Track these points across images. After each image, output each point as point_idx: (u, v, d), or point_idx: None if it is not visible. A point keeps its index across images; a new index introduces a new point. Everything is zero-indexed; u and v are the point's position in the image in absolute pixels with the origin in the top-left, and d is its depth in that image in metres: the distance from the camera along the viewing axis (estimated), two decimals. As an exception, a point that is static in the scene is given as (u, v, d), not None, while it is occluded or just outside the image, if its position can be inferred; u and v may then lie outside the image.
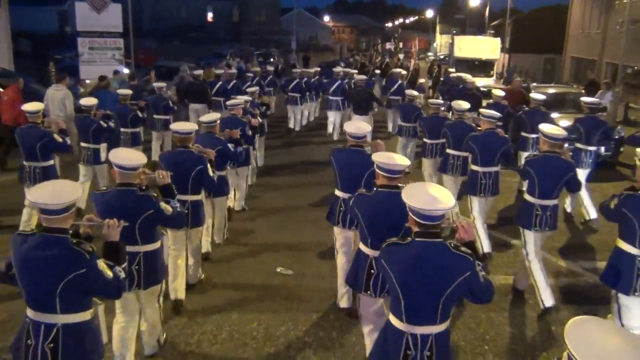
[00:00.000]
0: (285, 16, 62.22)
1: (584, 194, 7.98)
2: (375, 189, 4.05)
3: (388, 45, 52.39)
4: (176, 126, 5.63)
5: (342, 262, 5.33)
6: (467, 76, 13.80)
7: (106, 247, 3.36)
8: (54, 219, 3.11)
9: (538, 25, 35.46)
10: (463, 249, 3.07)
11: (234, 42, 46.11)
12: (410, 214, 3.11)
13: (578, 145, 8.03)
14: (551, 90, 13.62)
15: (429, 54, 48.89)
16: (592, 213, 7.95)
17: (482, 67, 22.29)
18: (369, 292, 4.13)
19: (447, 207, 3.07)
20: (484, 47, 23.32)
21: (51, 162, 6.66)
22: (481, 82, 15.20)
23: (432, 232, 3.07)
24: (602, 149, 10.04)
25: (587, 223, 8.03)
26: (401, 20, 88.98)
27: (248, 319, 5.25)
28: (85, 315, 3.21)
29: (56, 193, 3.12)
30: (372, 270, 4.07)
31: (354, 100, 12.44)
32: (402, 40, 49.39)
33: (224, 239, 6.96)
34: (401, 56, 37.91)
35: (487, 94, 12.06)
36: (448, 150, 7.58)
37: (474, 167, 6.71)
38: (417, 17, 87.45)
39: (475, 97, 11.31)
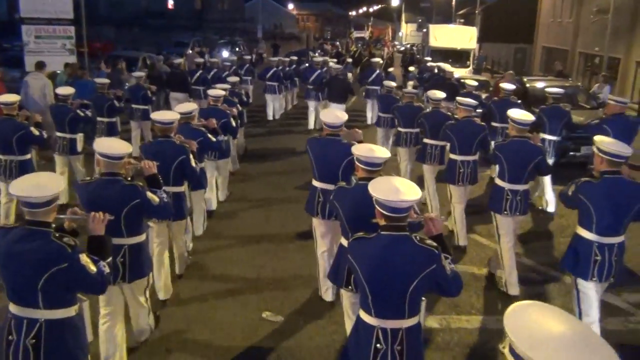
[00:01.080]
0: (249, 4, 61.69)
1: (547, 184, 8.29)
2: (355, 182, 4.03)
3: (357, 34, 52.60)
4: (157, 115, 5.49)
5: (321, 251, 5.45)
6: (447, 66, 13.87)
7: (91, 241, 3.34)
8: (37, 212, 3.09)
9: (508, 14, 35.50)
10: (428, 241, 3.10)
11: (196, 30, 45.30)
12: (377, 206, 3.14)
13: (541, 135, 8.25)
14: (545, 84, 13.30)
15: (395, 42, 49.23)
16: (551, 207, 8.27)
17: (458, 57, 22.07)
18: (350, 287, 4.14)
19: (411, 199, 3.09)
20: (460, 36, 23.16)
21: (28, 156, 6.58)
22: (457, 73, 15.06)
23: (397, 225, 3.10)
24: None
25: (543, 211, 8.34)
26: (365, 9, 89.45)
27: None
28: (69, 312, 3.18)
29: (39, 186, 3.11)
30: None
31: (331, 89, 12.55)
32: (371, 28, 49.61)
33: (204, 230, 7.01)
34: (359, 45, 38.17)
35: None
36: (425, 140, 7.76)
37: (452, 156, 6.84)
38: (382, 6, 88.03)
39: (454, 87, 11.59)
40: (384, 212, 3.10)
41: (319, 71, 13.98)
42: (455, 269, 3.16)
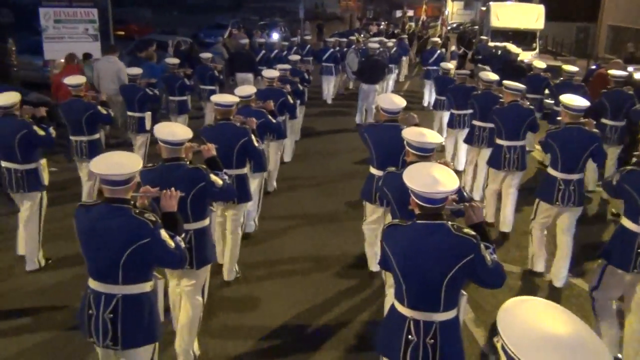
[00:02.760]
0: (290, -18, 61.61)
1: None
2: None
3: (399, 14, 52.05)
4: (217, 98, 5.58)
5: (368, 225, 5.73)
6: (512, 46, 13.33)
7: (164, 217, 3.44)
8: (117, 190, 3.23)
9: None
10: (466, 230, 3.03)
11: (235, 11, 45.60)
12: (412, 195, 3.09)
13: (603, 120, 8.24)
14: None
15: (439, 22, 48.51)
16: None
17: (523, 37, 20.39)
18: None
19: (448, 189, 3.03)
20: (526, 15, 21.38)
21: (97, 135, 6.94)
22: (522, 56, 14.04)
23: (434, 213, 3.06)
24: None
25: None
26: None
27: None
28: (144, 287, 3.33)
29: (119, 164, 3.25)
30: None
31: (367, 69, 12.58)
32: (412, 7, 49.02)
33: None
34: (412, 24, 37.79)
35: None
36: (474, 122, 7.85)
37: (499, 141, 6.85)
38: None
39: (521, 69, 11.25)
40: (419, 202, 3.06)
41: (331, 49, 14.92)
42: (497, 259, 3.09)
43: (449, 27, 35.50)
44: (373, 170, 5.51)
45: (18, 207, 5.92)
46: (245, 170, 5.74)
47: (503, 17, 21.38)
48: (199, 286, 4.38)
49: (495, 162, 6.92)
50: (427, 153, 3.88)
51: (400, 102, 5.40)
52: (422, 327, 3.07)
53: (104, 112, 6.87)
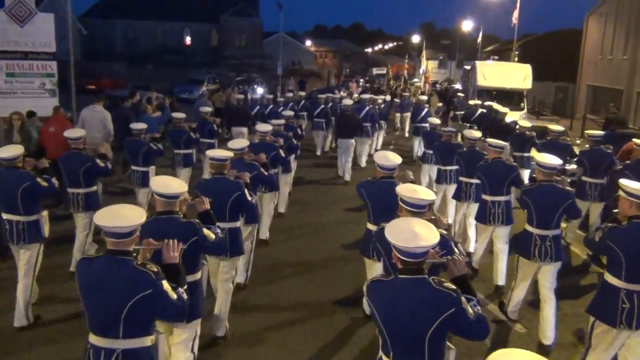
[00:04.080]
0: (267, 40, 63.56)
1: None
2: None
3: (376, 71, 54.10)
4: (212, 153, 5.78)
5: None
6: (499, 106, 13.76)
7: (166, 269, 3.46)
8: (121, 242, 3.31)
9: (547, 50, 33.52)
10: (446, 284, 3.10)
11: (212, 67, 46.52)
12: (394, 250, 3.16)
13: (584, 178, 8.63)
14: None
15: (415, 80, 50.52)
16: None
17: (509, 97, 19.78)
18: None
19: (429, 244, 3.10)
20: (513, 74, 21.19)
21: (94, 188, 7.09)
22: (509, 117, 13.79)
23: (415, 268, 3.13)
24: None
25: None
26: (380, 46, 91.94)
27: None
28: (145, 341, 3.37)
29: (123, 217, 3.33)
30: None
31: (341, 124, 13.28)
32: (390, 65, 51.29)
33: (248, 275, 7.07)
34: (395, 82, 39.52)
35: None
36: (461, 178, 8.26)
37: (484, 196, 7.24)
38: (397, 43, 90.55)
39: (508, 128, 11.75)
40: (400, 256, 3.14)
41: (322, 106, 15.82)
42: (480, 312, 3.16)
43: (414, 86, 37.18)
44: (369, 226, 5.69)
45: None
46: (239, 223, 5.87)
47: (490, 76, 21.22)
48: (189, 340, 4.40)
49: (481, 217, 7.30)
50: (420, 209, 3.96)
51: (396, 159, 5.63)
52: None
53: (102, 165, 7.03)
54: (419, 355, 3.10)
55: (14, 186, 5.63)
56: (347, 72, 57.38)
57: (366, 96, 16.60)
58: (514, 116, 14.95)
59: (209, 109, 12.01)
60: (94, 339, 3.35)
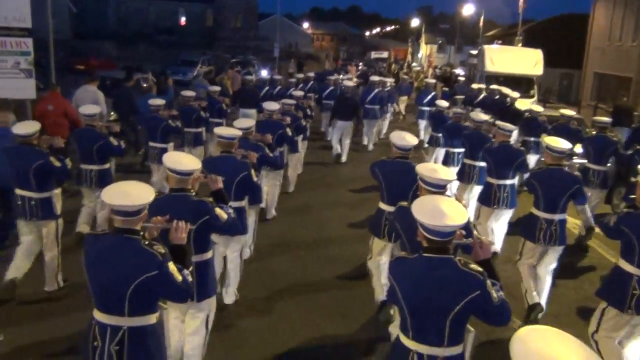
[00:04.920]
0: (263, 22, 63.05)
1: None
2: None
3: (374, 55, 54.02)
4: (220, 131, 5.81)
5: (375, 263, 5.84)
6: (509, 90, 13.55)
7: (172, 250, 3.46)
8: (128, 220, 3.30)
9: (551, 36, 32.37)
10: (473, 266, 3.09)
11: (207, 48, 46.06)
12: (420, 227, 3.16)
13: (588, 164, 8.68)
14: None
15: (414, 64, 50.53)
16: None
17: (518, 84, 18.63)
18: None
19: (457, 224, 3.09)
20: (523, 60, 20.40)
21: (107, 165, 7.20)
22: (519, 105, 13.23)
23: (440, 247, 3.13)
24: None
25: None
26: (379, 29, 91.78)
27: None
28: (150, 319, 3.39)
29: (131, 195, 3.30)
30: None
31: (339, 106, 13.37)
32: (385, 49, 51.29)
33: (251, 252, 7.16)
34: (396, 66, 39.41)
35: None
36: (465, 160, 8.41)
37: (489, 179, 7.34)
38: (395, 27, 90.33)
39: (518, 113, 11.75)
40: (427, 234, 3.13)
41: (331, 87, 15.74)
42: (503, 297, 3.14)
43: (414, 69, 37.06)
44: (382, 206, 5.77)
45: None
46: (244, 203, 5.95)
47: (498, 61, 20.51)
48: (202, 319, 4.44)
49: (485, 199, 7.41)
50: (440, 189, 4.03)
51: (412, 139, 5.68)
52: None
53: (115, 143, 7.11)
54: (439, 336, 3.11)
55: (27, 163, 5.71)
56: (345, 56, 57.16)
57: (376, 78, 16.59)
58: (524, 104, 14.02)
59: (217, 88, 12.14)
60: (99, 315, 3.38)
